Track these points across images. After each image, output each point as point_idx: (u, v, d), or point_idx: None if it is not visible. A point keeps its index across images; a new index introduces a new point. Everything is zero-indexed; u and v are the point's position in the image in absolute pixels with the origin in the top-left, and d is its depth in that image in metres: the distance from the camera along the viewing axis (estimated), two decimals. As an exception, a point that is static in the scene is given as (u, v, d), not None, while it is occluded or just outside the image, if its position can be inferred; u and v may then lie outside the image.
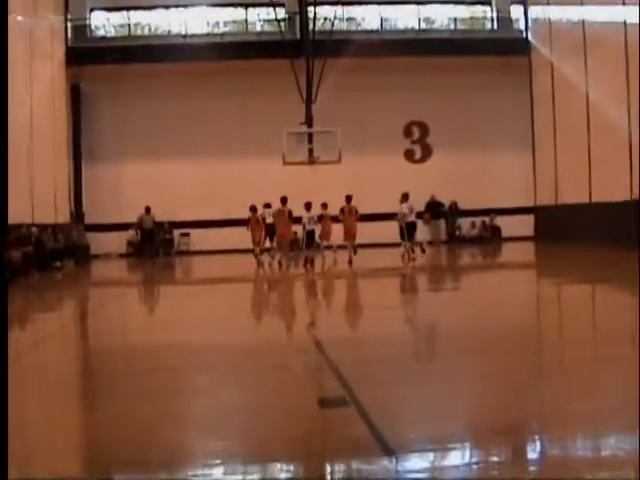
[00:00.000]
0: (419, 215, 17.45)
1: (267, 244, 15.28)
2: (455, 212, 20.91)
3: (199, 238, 20.10)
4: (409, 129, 20.87)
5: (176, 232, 20.34)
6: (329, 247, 14.77)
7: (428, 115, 20.55)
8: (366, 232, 16.56)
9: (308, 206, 14.07)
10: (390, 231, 15.72)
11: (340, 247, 15.05)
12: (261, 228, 14.88)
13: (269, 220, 14.91)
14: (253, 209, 14.84)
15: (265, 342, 5.71)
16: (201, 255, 19.67)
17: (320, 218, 14.36)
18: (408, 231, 14.70)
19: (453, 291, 9.89)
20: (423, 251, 14.91)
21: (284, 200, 14.18)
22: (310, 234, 13.94)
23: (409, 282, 11.53)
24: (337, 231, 14.81)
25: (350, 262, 14.15)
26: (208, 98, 19.69)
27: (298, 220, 14.42)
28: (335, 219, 14.54)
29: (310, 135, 17.45)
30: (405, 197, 14.89)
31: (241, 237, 17.94)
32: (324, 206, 14.89)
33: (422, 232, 18.59)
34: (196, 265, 17.65)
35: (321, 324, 6.86)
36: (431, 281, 11.80)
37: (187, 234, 20.51)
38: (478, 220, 21.04)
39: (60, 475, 2.86)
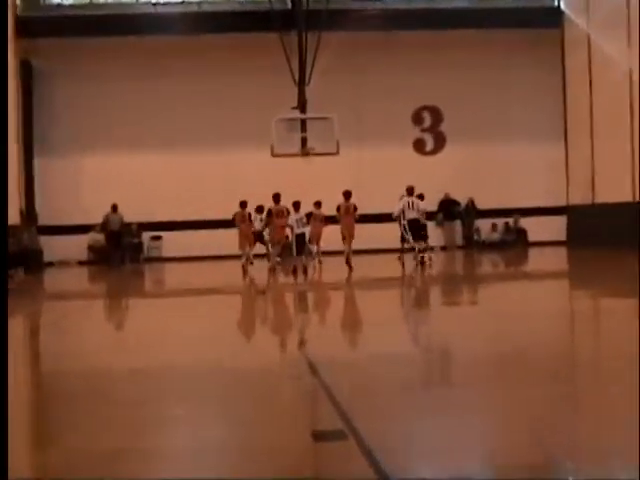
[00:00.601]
0: (431, 216, 17.77)
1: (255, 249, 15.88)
2: (473, 212, 21.05)
3: (173, 242, 20.22)
4: (419, 115, 21.03)
5: (146, 235, 20.44)
6: (315, 252, 15.22)
7: (441, 99, 20.69)
8: (368, 235, 16.83)
9: (296, 206, 14.30)
10: (396, 234, 15.87)
11: (334, 253, 15.27)
12: (249, 228, 15.38)
13: (257, 225, 15.50)
14: (243, 205, 15.33)
15: (250, 365, 5.76)
16: (175, 262, 19.76)
17: (309, 217, 14.68)
18: (413, 231, 14.84)
19: (470, 306, 9.94)
20: (422, 263, 14.98)
21: (277, 198, 14.43)
22: (300, 238, 14.11)
23: (417, 294, 11.64)
24: (332, 233, 15.13)
25: (348, 262, 14.53)
26: (183, 79, 19.82)
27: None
28: (328, 220, 14.93)
29: (303, 122, 17.64)
30: (410, 191, 15.05)
31: (222, 241, 18.16)
32: (317, 205, 15.39)
33: (435, 236, 19.03)
34: (170, 274, 17.73)
35: (315, 343, 6.90)
36: (443, 293, 11.78)
37: (159, 237, 20.63)
38: (500, 222, 21.24)
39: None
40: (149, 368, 5.74)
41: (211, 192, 19.59)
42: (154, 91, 19.81)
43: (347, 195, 15.19)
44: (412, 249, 15.37)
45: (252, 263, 15.85)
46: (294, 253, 14.20)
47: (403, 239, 15.33)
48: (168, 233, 20.32)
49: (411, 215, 14.88)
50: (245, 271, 15.23)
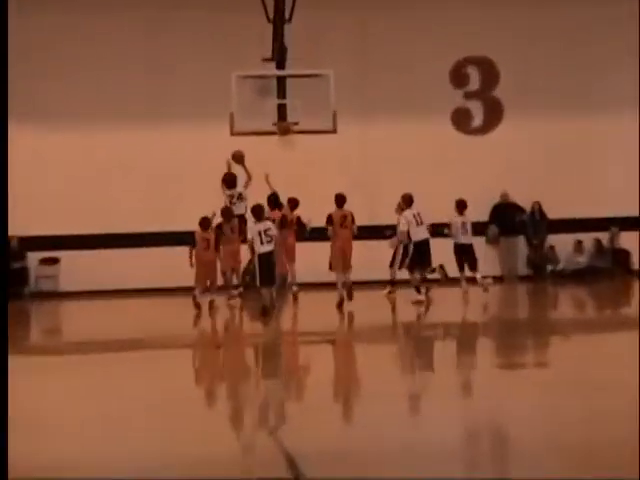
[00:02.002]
0: (479, 229, 18.22)
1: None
2: (543, 223, 21.10)
3: (76, 268, 20.16)
4: (461, 72, 21.05)
5: (33, 257, 20.46)
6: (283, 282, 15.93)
7: (496, 47, 20.73)
8: (377, 257, 17.04)
9: (257, 212, 14.76)
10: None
11: (318, 286, 15.34)
12: (211, 256, 16.22)
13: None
14: (204, 224, 16.19)
15: (200, 461, 5.86)
16: (80, 299, 19.68)
17: (282, 225, 15.52)
18: (421, 256, 15.59)
19: (538, 370, 10.11)
20: (420, 301, 15.79)
21: (227, 213, 15.56)
22: (266, 259, 14.41)
23: (447, 351, 11.92)
24: (318, 253, 15.23)
25: (340, 305, 15.14)
26: (93, 19, 19.89)
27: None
28: (314, 234, 15.40)
29: (281, 83, 17.38)
30: (409, 201, 15.83)
31: (156, 264, 18.20)
32: (291, 204, 16.20)
33: (485, 260, 19.10)
34: (71, 318, 17.71)
35: (296, 426, 7.09)
36: (498, 350, 11.98)
37: (54, 261, 20.62)
38: (587, 238, 21.21)
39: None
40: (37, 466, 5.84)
41: (134, 192, 19.81)
42: (44, 38, 19.73)
43: (341, 200, 15.68)
44: (425, 280, 16.18)
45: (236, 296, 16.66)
46: (258, 282, 14.52)
47: (412, 268, 15.97)
48: (69, 254, 20.31)
49: (420, 234, 15.63)
50: (198, 310, 15.80)
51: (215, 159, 18.66)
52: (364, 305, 15.95)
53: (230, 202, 17.01)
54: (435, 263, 16.43)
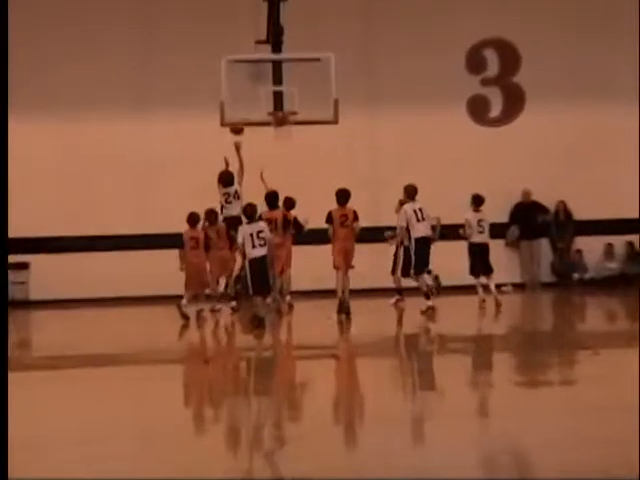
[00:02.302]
0: (498, 231, 18.24)
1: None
2: (570, 225, 21.18)
3: (46, 273, 20.20)
4: (478, 55, 21.10)
5: (-1, 261, 20.58)
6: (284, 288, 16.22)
7: (516, 28, 20.79)
8: (383, 262, 17.33)
9: (250, 211, 14.93)
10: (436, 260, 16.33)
11: (317, 293, 15.50)
12: (201, 257, 16.45)
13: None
14: (192, 220, 16.42)
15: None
16: (51, 308, 19.70)
17: (285, 226, 15.97)
18: (419, 254, 15.69)
19: (560, 389, 10.11)
20: (427, 309, 15.84)
21: (211, 215, 16.07)
22: (258, 264, 14.48)
23: (459, 367, 11.81)
24: (316, 257, 15.46)
25: (341, 307, 15.57)
26: (74, 6, 20.19)
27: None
28: (310, 234, 15.76)
29: (277, 68, 17.32)
30: (411, 193, 15.87)
31: (138, 270, 18.40)
32: (287, 204, 16.29)
33: (505, 265, 19.31)
34: (43, 329, 17.78)
35: (293, 452, 7.14)
36: (518, 367, 11.96)
37: (23, 266, 20.62)
38: (619, 241, 21.26)
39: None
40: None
41: (116, 189, 19.90)
42: (21, 22, 19.70)
43: (342, 196, 15.80)
44: (433, 289, 16.33)
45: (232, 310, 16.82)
46: (250, 291, 14.64)
47: (406, 272, 16.21)
48: (39, 258, 20.39)
49: (421, 231, 15.72)
50: (185, 320, 16.01)
51: (203, 153, 18.98)
52: (368, 315, 16.23)
53: (226, 201, 17.14)
54: (444, 269, 16.58)
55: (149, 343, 14.20)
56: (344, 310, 15.67)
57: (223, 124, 16.96)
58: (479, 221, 17.07)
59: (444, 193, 18.01)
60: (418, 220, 15.88)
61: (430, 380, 11.12)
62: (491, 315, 16.59)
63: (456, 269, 17.23)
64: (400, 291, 17.26)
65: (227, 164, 17.42)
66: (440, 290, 16.78)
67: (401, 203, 16.29)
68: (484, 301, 16.94)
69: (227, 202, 17.02)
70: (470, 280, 17.23)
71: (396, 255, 16.77)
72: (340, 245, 15.89)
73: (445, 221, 16.62)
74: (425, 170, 19.02)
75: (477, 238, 17.05)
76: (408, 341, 14.76)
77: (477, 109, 21.09)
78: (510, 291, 18.52)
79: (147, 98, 20.18)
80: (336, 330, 15.16)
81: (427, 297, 16.00)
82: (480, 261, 17.06)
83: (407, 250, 16.04)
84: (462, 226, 17.15)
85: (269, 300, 15.83)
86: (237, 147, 17.06)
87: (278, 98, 17.10)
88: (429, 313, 15.91)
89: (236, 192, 17.08)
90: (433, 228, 16.18)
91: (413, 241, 15.84)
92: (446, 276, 17.72)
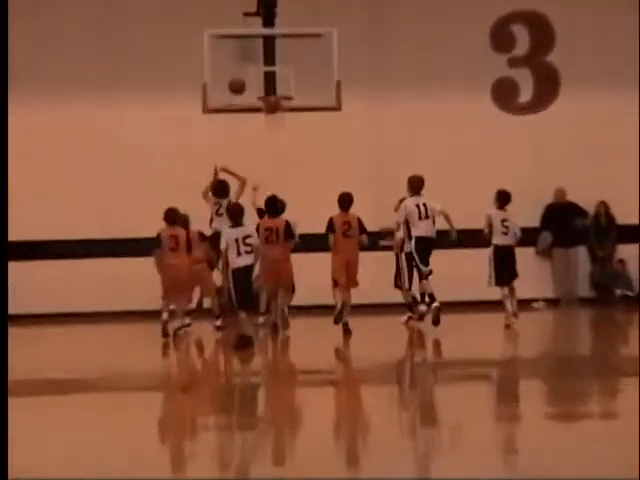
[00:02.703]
0: (528, 237, 18.02)
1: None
2: (612, 230, 21.03)
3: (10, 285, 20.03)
4: (505, 31, 20.99)
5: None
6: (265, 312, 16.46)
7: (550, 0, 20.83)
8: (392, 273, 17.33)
9: (235, 213, 15.02)
10: (458, 270, 17.36)
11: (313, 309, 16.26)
12: (182, 259, 16.47)
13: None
14: (169, 217, 16.45)
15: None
16: (14, 325, 18.77)
17: (287, 233, 15.93)
18: (418, 253, 15.88)
19: (599, 423, 10.18)
20: (435, 322, 16.03)
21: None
22: (243, 275, 14.58)
23: (482, 397, 11.90)
24: (313, 267, 15.94)
25: (346, 331, 15.81)
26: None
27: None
28: (307, 241, 16.16)
29: (269, 45, 17.50)
30: (415, 186, 16.11)
31: (112, 280, 18.55)
32: (269, 206, 16.22)
33: (533, 277, 19.11)
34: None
35: None
36: (544, 398, 12.00)
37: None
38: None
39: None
40: None
41: (85, 187, 19.79)
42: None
43: (346, 201, 15.89)
44: (427, 301, 16.40)
45: (220, 328, 17.02)
46: (235, 305, 14.74)
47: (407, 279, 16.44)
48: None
49: (423, 229, 15.85)
50: (168, 338, 16.19)
51: (184, 145, 19.15)
52: (374, 335, 16.28)
53: (217, 212, 17.20)
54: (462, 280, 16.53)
55: (120, 366, 14.24)
56: (342, 321, 15.81)
57: (206, 110, 17.07)
58: (503, 220, 16.78)
59: (463, 194, 18.12)
60: (420, 217, 15.93)
61: (448, 412, 10.95)
62: (521, 335, 16.65)
63: (476, 281, 17.27)
64: (411, 307, 17.25)
65: (216, 173, 17.45)
66: (438, 322, 16.35)
67: (401, 202, 16.43)
68: (517, 315, 16.82)
69: (218, 214, 17.05)
70: (491, 294, 17.16)
71: (398, 263, 16.81)
72: (342, 258, 15.98)
73: (463, 225, 16.56)
74: (440, 166, 19.06)
75: (500, 240, 16.72)
76: (419, 366, 14.80)
77: (503, 94, 21.02)
78: (542, 308, 18.43)
79: (113, 81, 20.11)
80: (335, 352, 15.27)
81: (410, 308, 16.56)
82: (504, 267, 16.78)
83: (409, 258, 16.17)
84: (481, 231, 16.94)
85: (262, 320, 16.15)
86: (226, 170, 17.29)
87: (270, 80, 17.17)
88: (410, 324, 16.46)
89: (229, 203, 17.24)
90: (446, 218, 16.25)
91: (413, 240, 15.90)
92: (464, 289, 17.80)
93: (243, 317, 14.64)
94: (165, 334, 16.07)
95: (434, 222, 16.16)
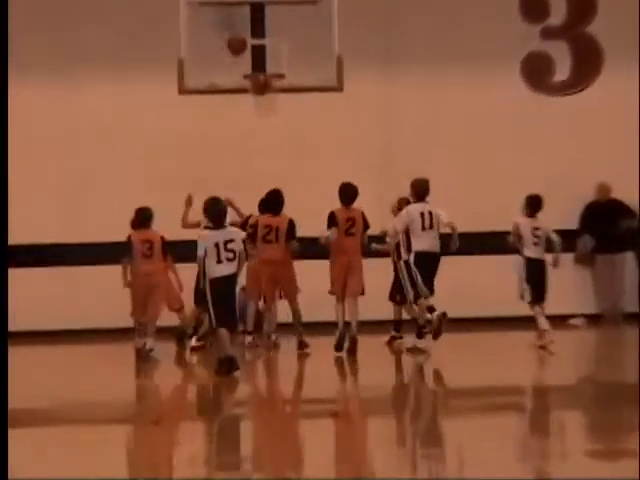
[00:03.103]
0: (565, 242, 17.92)
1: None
2: None
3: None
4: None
5: None
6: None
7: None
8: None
9: (215, 212, 14.94)
10: (485, 280, 18.02)
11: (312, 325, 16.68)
12: (156, 266, 16.79)
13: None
14: (139, 219, 16.69)
15: None
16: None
17: (290, 234, 16.34)
18: (425, 276, 16.14)
19: None
20: (435, 333, 16.21)
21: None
22: (222, 286, 14.67)
23: (511, 430, 11.97)
24: (310, 274, 16.30)
25: (353, 350, 16.15)
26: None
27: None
28: (304, 245, 16.44)
29: (257, 14, 17.57)
30: (420, 191, 16.37)
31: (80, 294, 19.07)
32: (274, 200, 16.56)
33: (569, 289, 19.41)
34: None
35: None
36: (584, 432, 12.13)
37: None
38: None
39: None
40: None
41: (38, 181, 19.87)
42: None
43: (349, 193, 16.13)
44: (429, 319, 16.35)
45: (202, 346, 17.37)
46: (214, 323, 14.76)
47: (416, 296, 16.32)
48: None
49: (426, 243, 16.01)
50: (138, 359, 16.53)
51: (155, 131, 19.23)
52: (378, 357, 16.35)
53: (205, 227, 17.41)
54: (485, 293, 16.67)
55: (84, 394, 14.26)
56: (346, 345, 15.95)
57: (182, 91, 17.22)
58: (534, 229, 16.65)
59: (485, 188, 18.12)
60: (424, 228, 15.98)
61: (471, 447, 10.73)
62: (557, 357, 16.64)
63: (502, 296, 17.38)
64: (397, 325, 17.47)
65: (189, 202, 17.50)
66: (440, 333, 16.44)
67: (400, 202, 16.57)
68: (548, 331, 16.65)
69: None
70: (521, 309, 17.12)
71: (396, 274, 16.77)
72: (344, 260, 16.10)
73: (483, 228, 16.80)
74: (459, 156, 19.39)
75: (531, 252, 16.65)
76: (435, 395, 14.86)
77: (535, 71, 20.89)
78: (582, 325, 18.39)
79: (71, 56, 19.94)
80: (335, 376, 15.43)
81: (419, 334, 16.35)
82: (540, 282, 16.82)
83: (409, 270, 16.14)
84: (508, 233, 16.83)
85: (249, 339, 16.65)
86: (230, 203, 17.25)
87: (259, 55, 17.35)
88: (414, 353, 16.37)
89: None
90: (452, 230, 16.30)
91: (413, 255, 16.00)
92: (489, 305, 18.02)
93: (223, 336, 14.56)
94: (138, 354, 16.32)
95: (439, 233, 16.24)
